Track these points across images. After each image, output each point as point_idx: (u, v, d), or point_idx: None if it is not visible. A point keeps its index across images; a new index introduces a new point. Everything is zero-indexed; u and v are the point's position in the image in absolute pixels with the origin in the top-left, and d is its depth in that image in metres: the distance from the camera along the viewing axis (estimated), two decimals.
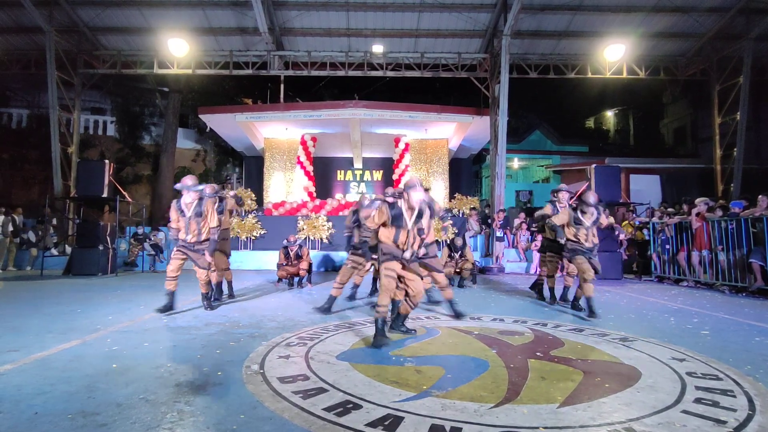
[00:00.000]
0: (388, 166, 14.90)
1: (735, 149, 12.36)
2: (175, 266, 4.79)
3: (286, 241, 7.16)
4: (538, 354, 3.22)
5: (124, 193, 10.21)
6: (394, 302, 3.93)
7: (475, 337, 3.75)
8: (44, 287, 7.18)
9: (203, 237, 4.82)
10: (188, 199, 4.71)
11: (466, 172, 17.36)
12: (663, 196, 14.57)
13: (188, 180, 4.74)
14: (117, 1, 11.51)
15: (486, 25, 12.03)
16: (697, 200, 7.87)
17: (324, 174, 15.20)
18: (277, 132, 14.31)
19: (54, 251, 11.29)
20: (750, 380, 2.66)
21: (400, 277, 3.73)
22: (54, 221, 11.65)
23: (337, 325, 4.16)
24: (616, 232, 9.03)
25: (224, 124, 13.64)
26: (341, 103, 12.88)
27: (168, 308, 4.71)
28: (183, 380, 2.58)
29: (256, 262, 10.92)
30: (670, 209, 9.43)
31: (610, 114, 26.12)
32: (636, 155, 19.47)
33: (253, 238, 11.29)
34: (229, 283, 5.95)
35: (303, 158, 14.02)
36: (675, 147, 20.23)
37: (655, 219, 9.15)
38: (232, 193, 6.45)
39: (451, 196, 13.34)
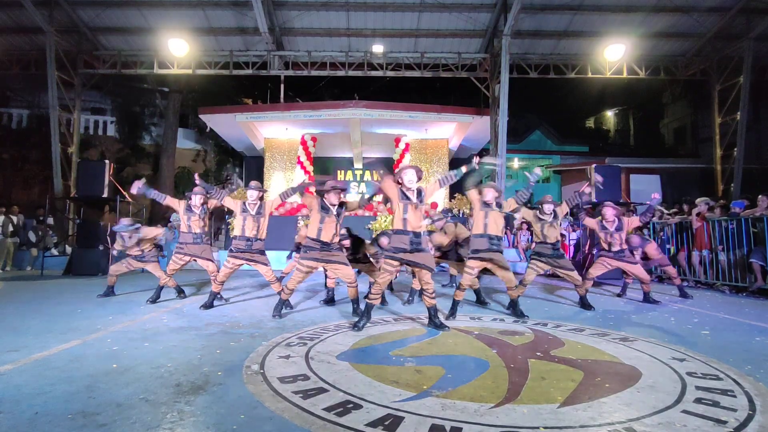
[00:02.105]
0: (388, 166, 14.89)
1: (735, 149, 12.35)
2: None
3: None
4: (538, 354, 3.22)
5: (124, 193, 10.21)
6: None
7: (475, 337, 3.75)
8: (44, 287, 7.18)
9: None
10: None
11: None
12: (663, 196, 14.55)
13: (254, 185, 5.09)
14: (117, 1, 11.49)
15: (486, 25, 12.03)
16: (698, 200, 7.87)
17: (324, 174, 15.20)
18: (277, 132, 14.30)
19: (54, 251, 11.28)
20: (750, 380, 2.66)
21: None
22: (50, 221, 11.63)
23: (337, 325, 4.16)
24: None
25: (224, 124, 13.63)
26: (341, 103, 12.86)
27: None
28: (183, 380, 2.58)
29: None
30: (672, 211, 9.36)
31: (610, 114, 26.08)
32: (636, 155, 19.43)
33: None
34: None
35: (303, 158, 14.02)
36: (675, 147, 20.22)
37: (655, 219, 9.13)
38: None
39: (452, 196, 13.33)
